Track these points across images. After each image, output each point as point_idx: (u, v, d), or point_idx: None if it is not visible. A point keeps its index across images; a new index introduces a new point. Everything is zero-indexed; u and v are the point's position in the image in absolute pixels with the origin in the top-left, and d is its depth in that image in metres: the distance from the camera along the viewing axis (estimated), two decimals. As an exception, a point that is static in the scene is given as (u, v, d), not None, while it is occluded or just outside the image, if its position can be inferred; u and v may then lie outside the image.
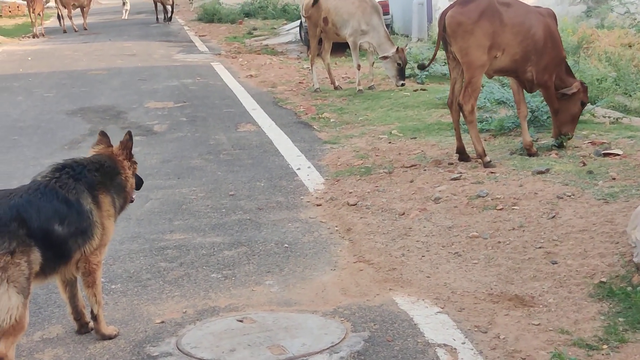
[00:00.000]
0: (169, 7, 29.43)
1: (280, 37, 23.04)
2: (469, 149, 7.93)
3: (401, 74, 12.43)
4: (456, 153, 7.98)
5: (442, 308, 4.77)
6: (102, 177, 4.46)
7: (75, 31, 27.05)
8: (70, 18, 27.36)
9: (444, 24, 7.64)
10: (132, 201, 4.79)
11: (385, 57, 12.29)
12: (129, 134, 4.69)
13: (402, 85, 12.39)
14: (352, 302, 4.95)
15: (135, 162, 4.73)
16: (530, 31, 7.57)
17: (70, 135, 10.60)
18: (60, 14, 27.77)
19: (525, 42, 7.56)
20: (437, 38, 8.24)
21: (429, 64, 9.37)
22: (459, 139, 7.94)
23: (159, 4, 29.44)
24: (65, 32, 27.04)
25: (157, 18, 29.66)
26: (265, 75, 15.70)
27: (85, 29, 27.42)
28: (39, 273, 4.08)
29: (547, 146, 8.06)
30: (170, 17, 29.60)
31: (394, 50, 12.30)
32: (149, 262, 5.84)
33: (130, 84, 15.10)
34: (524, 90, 7.95)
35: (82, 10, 28.00)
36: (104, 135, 4.75)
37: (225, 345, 4.41)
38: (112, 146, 4.68)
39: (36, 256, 3.97)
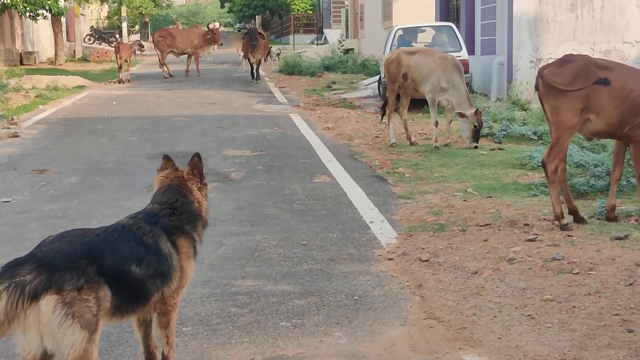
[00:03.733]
0: (254, 65, 27.35)
1: (358, 91, 23.27)
2: (546, 210, 7.81)
3: (476, 136, 12.47)
4: (569, 214, 7.78)
5: (512, 370, 4.69)
6: (177, 221, 4.52)
7: (166, 78, 27.83)
8: (164, 64, 28.17)
9: (537, 83, 7.62)
10: None
11: (462, 115, 12.30)
12: (197, 155, 4.66)
13: (475, 147, 12.42)
14: (421, 358, 4.90)
15: (206, 184, 4.70)
16: (630, 95, 7.31)
17: (149, 178, 10.79)
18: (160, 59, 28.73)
19: (623, 106, 7.33)
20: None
21: None
22: (569, 200, 7.76)
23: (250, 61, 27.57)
24: (165, 77, 27.84)
25: (252, 75, 27.44)
26: (342, 128, 15.84)
27: (167, 77, 28.17)
28: (116, 312, 4.15)
29: (626, 212, 7.89)
30: (258, 75, 27.47)
31: (473, 111, 12.32)
32: (220, 307, 5.89)
33: (210, 132, 15.42)
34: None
35: (188, 58, 28.75)
36: (168, 159, 4.74)
37: (291, 394, 4.41)
38: (177, 169, 4.69)
39: (106, 294, 4.02)
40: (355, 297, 6.06)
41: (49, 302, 3.81)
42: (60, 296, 3.84)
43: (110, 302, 4.07)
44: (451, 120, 13.38)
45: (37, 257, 3.92)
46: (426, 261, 6.80)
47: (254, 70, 27.45)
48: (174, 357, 4.63)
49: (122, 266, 4.13)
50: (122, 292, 4.12)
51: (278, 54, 33.62)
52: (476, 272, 6.41)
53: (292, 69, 30.00)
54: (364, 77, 26.59)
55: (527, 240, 7.12)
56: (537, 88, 7.70)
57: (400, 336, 5.28)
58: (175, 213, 4.50)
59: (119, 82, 26.96)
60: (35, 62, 33.59)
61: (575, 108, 7.35)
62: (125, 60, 27.02)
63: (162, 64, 28.41)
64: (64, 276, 3.87)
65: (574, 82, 7.35)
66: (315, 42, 49.65)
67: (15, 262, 3.93)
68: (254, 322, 5.57)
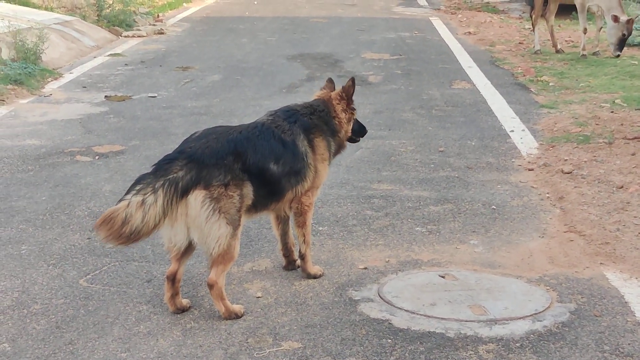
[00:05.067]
0: None
1: (502, -5, 22.40)
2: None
3: (621, 44, 11.73)
4: None
5: (657, 289, 4.53)
6: (317, 120, 4.55)
7: None
8: None
9: None
10: (355, 141, 4.88)
11: (616, 19, 11.58)
12: (352, 80, 4.72)
13: (618, 56, 11.71)
14: (560, 271, 4.79)
15: (353, 109, 4.76)
16: None
17: (288, 79, 10.92)
18: None
19: None
20: None
21: None
22: None
23: None
24: None
25: None
26: (484, 33, 15.37)
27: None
28: (251, 208, 4.25)
29: None
30: None
31: (626, 18, 11.60)
32: (356, 209, 5.93)
33: (348, 34, 15.30)
34: None
35: None
36: (330, 81, 4.85)
37: (425, 299, 4.42)
38: (334, 90, 4.75)
39: (248, 190, 4.13)
40: (493, 207, 5.97)
41: (197, 197, 3.94)
42: (208, 191, 3.96)
43: (251, 198, 4.17)
44: (601, 28, 12.69)
45: (187, 153, 4.04)
46: (568, 173, 6.58)
47: None
48: (311, 254, 4.72)
49: (262, 164, 4.21)
50: (260, 189, 4.22)
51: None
52: (622, 187, 6.16)
53: (434, -29, 29.20)
54: (510, -20, 25.58)
55: (678, 156, 6.77)
56: None
57: (538, 248, 5.17)
58: (315, 113, 4.54)
59: (260, -18, 27.01)
60: (179, -39, 34.00)
61: None
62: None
63: None
64: (212, 172, 3.99)
65: None
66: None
67: (166, 159, 4.07)
68: (389, 226, 5.59)
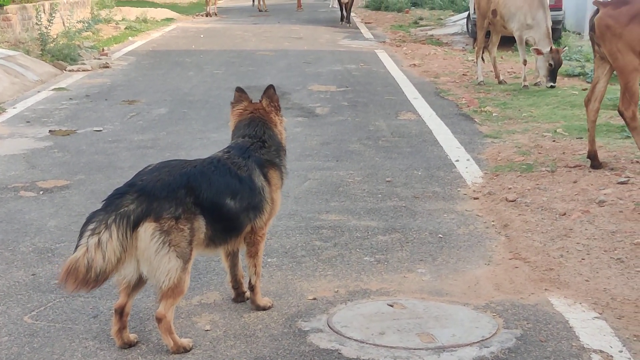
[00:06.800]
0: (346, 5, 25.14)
1: (446, 28, 22.80)
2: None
3: (552, 74, 11.96)
4: (587, 158, 7.63)
5: (600, 313, 4.61)
6: (267, 153, 4.56)
7: (260, 10, 28.29)
8: None
9: (593, 24, 7.32)
10: None
11: (539, 52, 11.86)
12: (272, 87, 4.73)
13: (552, 87, 11.92)
14: (505, 298, 4.86)
15: (282, 115, 4.79)
16: None
17: (235, 111, 10.91)
18: None
19: None
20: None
21: None
22: (592, 142, 7.59)
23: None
24: (260, 10, 28.58)
25: (341, 17, 25.36)
26: (428, 65, 15.60)
27: (261, 10, 28.42)
28: (209, 243, 4.23)
29: None
30: (348, 18, 25.23)
31: (548, 49, 11.88)
32: (305, 240, 5.95)
33: (295, 66, 15.40)
34: None
35: None
36: (242, 91, 4.81)
37: (375, 328, 4.44)
38: (252, 101, 4.75)
39: (200, 224, 4.11)
40: (440, 235, 6.03)
41: (147, 229, 3.91)
42: (158, 224, 3.93)
43: (205, 233, 4.15)
44: (538, 59, 12.98)
45: (138, 186, 4.02)
46: (513, 201, 6.70)
47: (345, 11, 26.17)
48: (260, 286, 4.71)
49: (217, 199, 4.20)
50: (216, 224, 4.20)
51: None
52: (564, 214, 6.29)
53: (378, 5, 29.57)
54: (452, 13, 26.04)
55: (618, 183, 6.94)
56: (592, 29, 7.39)
57: (484, 275, 5.24)
58: (266, 146, 4.56)
59: (207, 16, 27.13)
60: (124, -5, 33.94)
61: (635, 51, 7.02)
62: (213, -6, 27.13)
63: None
64: (163, 205, 3.96)
65: (630, 24, 7.01)
66: (403, -23, 48.71)
67: (117, 193, 4.03)
68: (337, 256, 5.61)
